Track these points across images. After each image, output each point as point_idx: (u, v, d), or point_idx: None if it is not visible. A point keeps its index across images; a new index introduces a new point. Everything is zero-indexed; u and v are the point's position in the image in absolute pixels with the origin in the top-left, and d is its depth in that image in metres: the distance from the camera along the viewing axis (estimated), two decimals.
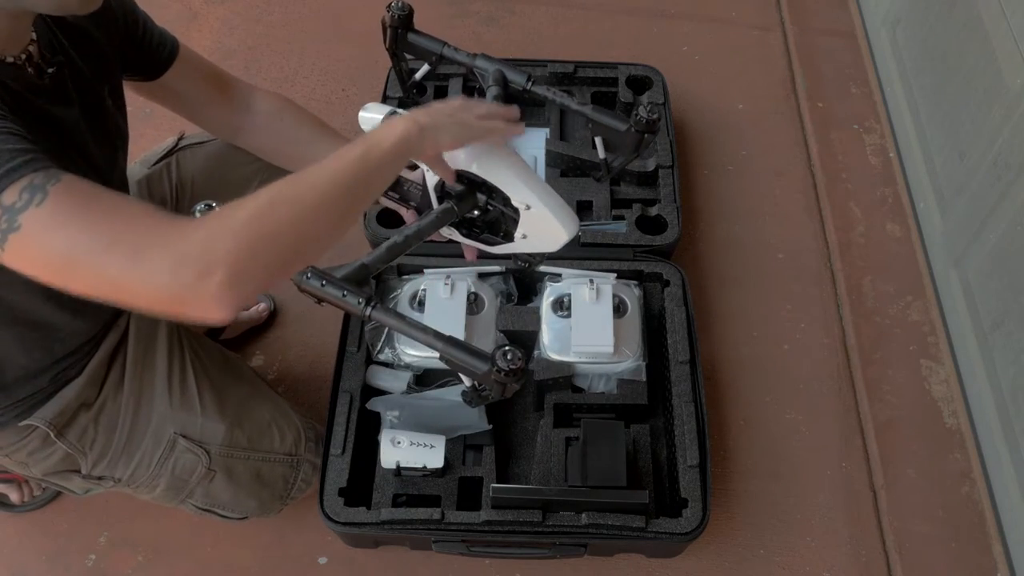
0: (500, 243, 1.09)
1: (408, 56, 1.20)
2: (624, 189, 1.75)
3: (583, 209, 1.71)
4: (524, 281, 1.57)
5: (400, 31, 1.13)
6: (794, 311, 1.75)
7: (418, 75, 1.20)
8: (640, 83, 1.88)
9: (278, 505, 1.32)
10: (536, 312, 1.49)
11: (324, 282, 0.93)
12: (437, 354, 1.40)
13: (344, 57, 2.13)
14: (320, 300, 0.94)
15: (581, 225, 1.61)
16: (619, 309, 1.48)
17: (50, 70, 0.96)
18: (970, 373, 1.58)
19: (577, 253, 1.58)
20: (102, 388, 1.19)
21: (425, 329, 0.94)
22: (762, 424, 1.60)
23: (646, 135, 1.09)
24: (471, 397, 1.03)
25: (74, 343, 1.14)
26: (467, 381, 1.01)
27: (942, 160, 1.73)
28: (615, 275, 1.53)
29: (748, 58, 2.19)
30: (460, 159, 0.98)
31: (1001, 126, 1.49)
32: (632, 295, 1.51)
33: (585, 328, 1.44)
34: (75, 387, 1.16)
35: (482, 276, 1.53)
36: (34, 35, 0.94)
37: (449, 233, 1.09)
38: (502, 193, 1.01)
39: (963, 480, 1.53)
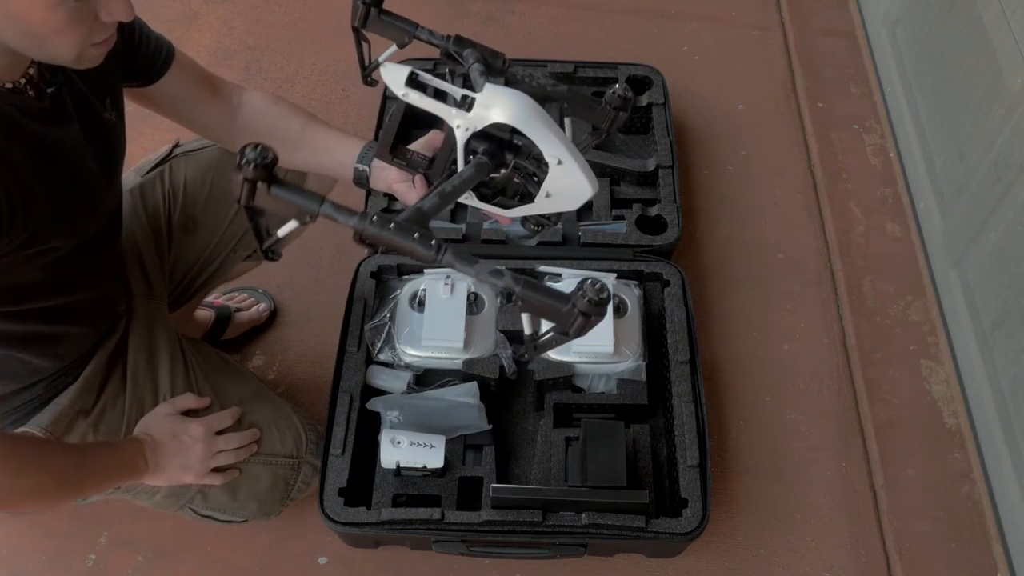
0: (515, 206, 1.08)
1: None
2: (624, 189, 1.75)
3: (583, 209, 1.69)
4: None
5: (371, 9, 1.11)
6: (794, 311, 1.75)
7: (382, 57, 1.19)
8: (640, 83, 1.88)
9: (278, 507, 1.32)
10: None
11: (392, 225, 0.85)
12: (436, 354, 1.43)
13: (344, 57, 2.13)
14: (375, 247, 0.87)
15: (581, 226, 1.63)
16: (619, 309, 1.48)
17: (49, 90, 0.96)
18: (970, 373, 1.58)
19: (577, 253, 1.58)
20: (100, 395, 1.19)
21: (501, 272, 0.88)
22: (762, 424, 1.60)
23: (620, 112, 1.08)
24: (525, 351, 0.99)
25: (73, 352, 1.15)
26: (528, 328, 0.98)
27: (942, 160, 1.73)
28: (615, 275, 1.53)
29: (748, 58, 2.19)
30: (501, 115, 0.97)
31: (1001, 126, 1.49)
32: (632, 295, 1.51)
33: None
34: (70, 393, 1.16)
35: None
36: None
37: (468, 199, 1.08)
38: (528, 151, 1.01)
39: (963, 480, 1.53)
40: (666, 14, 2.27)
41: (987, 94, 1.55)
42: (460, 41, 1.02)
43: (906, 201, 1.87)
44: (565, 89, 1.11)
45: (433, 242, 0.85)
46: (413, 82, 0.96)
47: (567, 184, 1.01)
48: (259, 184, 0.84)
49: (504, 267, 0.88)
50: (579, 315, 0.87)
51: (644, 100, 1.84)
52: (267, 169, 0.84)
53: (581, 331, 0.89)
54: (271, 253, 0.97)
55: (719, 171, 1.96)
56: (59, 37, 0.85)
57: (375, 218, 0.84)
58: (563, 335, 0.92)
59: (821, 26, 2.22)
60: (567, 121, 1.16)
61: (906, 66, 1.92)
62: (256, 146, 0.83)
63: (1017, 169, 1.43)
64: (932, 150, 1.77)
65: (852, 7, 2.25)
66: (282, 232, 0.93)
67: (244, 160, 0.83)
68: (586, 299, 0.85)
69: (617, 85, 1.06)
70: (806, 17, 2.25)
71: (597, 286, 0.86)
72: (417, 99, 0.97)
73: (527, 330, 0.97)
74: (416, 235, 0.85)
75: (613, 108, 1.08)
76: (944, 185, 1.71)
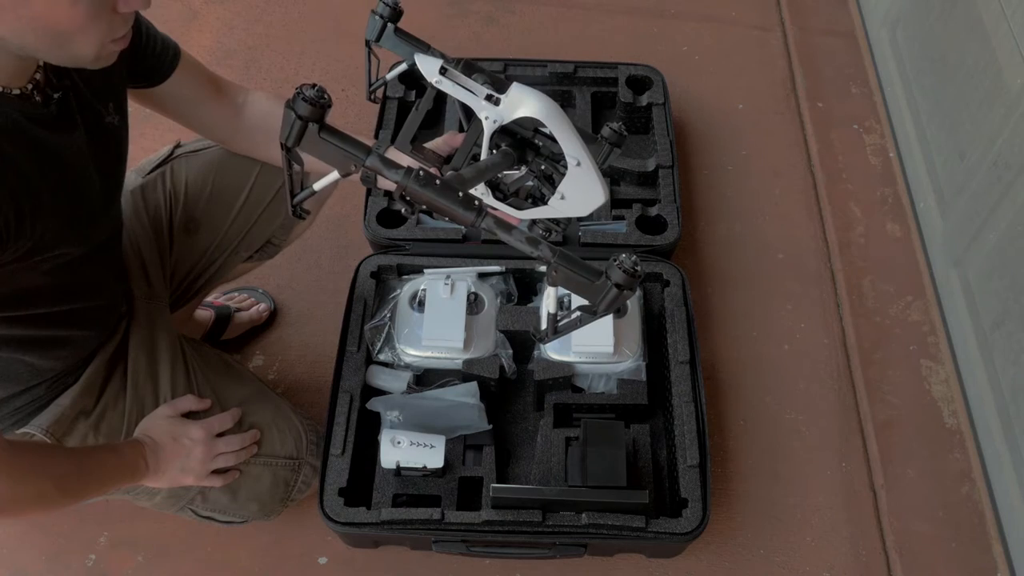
0: (528, 207, 1.08)
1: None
2: (624, 189, 1.75)
3: None
4: (524, 281, 1.57)
5: (387, 25, 1.12)
6: (794, 311, 1.75)
7: (390, 75, 1.19)
8: (640, 83, 1.88)
9: (279, 508, 1.32)
10: (536, 312, 1.49)
11: (437, 182, 0.84)
12: (436, 354, 1.43)
13: (344, 57, 2.13)
14: (412, 207, 0.86)
15: (581, 226, 1.63)
16: (619, 309, 1.48)
17: (56, 96, 0.96)
18: (970, 373, 1.58)
19: (577, 253, 1.58)
20: (101, 396, 1.19)
21: (537, 240, 0.88)
22: (762, 424, 1.60)
23: (615, 148, 1.10)
24: (545, 332, 0.99)
25: (76, 354, 1.15)
26: (552, 306, 0.98)
27: (942, 160, 1.73)
28: None
29: (748, 58, 2.19)
30: (529, 110, 0.99)
31: (1001, 126, 1.49)
32: (632, 295, 1.51)
33: (585, 328, 1.43)
34: (71, 395, 1.15)
35: (482, 276, 1.53)
36: (41, 62, 0.94)
37: (484, 196, 1.09)
38: (547, 152, 1.03)
39: (963, 480, 1.53)
40: (666, 14, 2.27)
41: (987, 94, 1.55)
42: (469, 65, 1.04)
43: (906, 201, 1.88)
44: None
45: (476, 203, 0.85)
46: (444, 74, 0.99)
47: (582, 187, 1.02)
48: (309, 126, 0.83)
49: (540, 235, 0.89)
50: (612, 287, 0.87)
51: (644, 100, 1.84)
52: (323, 110, 0.83)
53: (611, 306, 0.89)
54: (300, 210, 0.94)
55: (719, 171, 1.96)
56: (81, 34, 0.84)
57: (420, 173, 0.83)
58: (590, 314, 0.92)
59: (821, 26, 2.22)
60: None
61: (906, 66, 1.92)
62: (314, 85, 0.82)
63: (1017, 169, 1.43)
64: (932, 150, 1.77)
65: (852, 7, 2.25)
66: (319, 185, 0.91)
67: (302, 97, 0.82)
68: (621, 269, 0.86)
69: (613, 124, 1.09)
70: (806, 17, 2.25)
71: (633, 258, 0.87)
72: (449, 87, 0.99)
73: (551, 309, 0.97)
74: (460, 195, 0.84)
75: (609, 143, 1.10)
76: (944, 185, 1.71)
